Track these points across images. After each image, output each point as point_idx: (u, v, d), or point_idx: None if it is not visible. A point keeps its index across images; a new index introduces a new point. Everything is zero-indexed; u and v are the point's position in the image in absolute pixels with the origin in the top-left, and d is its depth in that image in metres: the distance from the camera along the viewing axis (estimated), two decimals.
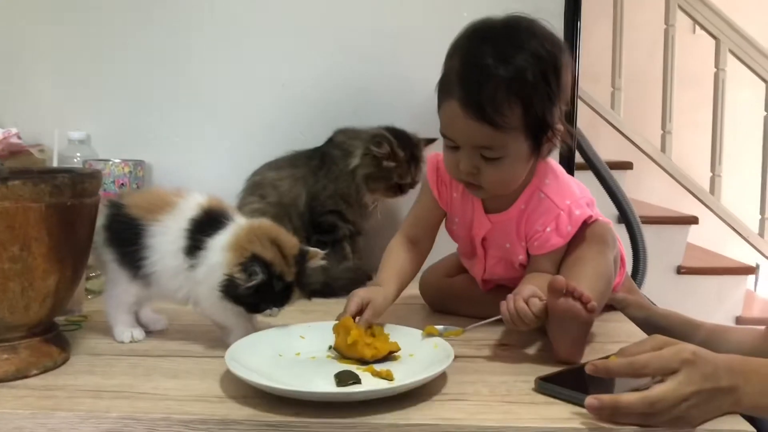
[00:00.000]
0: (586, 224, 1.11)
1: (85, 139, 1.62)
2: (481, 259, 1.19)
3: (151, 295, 1.07)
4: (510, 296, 1.00)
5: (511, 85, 0.99)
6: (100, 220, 1.04)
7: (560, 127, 1.05)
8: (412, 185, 1.49)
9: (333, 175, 1.49)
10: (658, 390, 0.77)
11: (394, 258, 1.19)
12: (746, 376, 0.79)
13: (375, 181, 1.48)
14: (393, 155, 1.46)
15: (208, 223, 1.01)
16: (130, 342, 1.06)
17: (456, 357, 0.92)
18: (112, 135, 1.66)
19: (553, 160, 1.17)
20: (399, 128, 1.51)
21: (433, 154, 1.20)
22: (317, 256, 1.04)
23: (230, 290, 0.97)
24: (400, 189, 1.49)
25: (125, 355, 1.01)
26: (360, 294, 1.07)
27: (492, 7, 1.61)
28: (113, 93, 1.67)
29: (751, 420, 0.79)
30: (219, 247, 0.98)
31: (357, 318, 1.04)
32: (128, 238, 1.02)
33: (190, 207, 1.03)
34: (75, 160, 1.58)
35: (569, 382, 0.87)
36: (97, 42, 1.66)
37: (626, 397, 0.77)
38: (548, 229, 1.09)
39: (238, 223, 1.02)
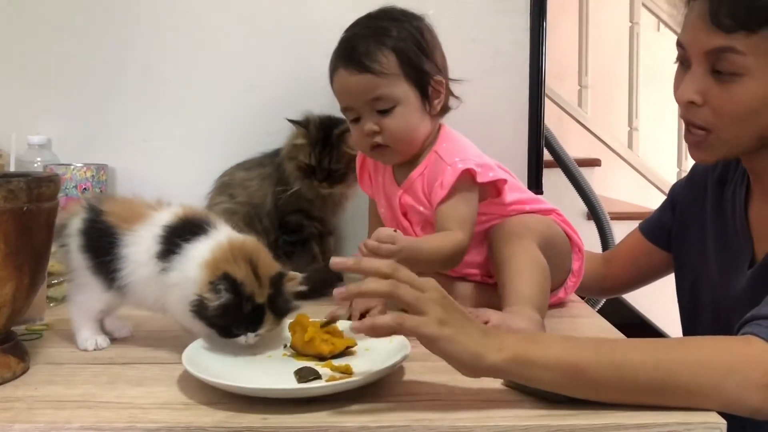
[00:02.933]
0: (514, 217, 1.20)
1: (45, 143, 1.58)
2: (410, 231, 1.24)
3: (122, 303, 1.05)
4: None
5: (379, 38, 1.15)
6: (77, 224, 1.01)
7: (440, 78, 1.18)
8: (322, 172, 1.41)
9: (287, 172, 1.46)
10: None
11: None
12: (506, 332, 0.85)
13: (289, 161, 1.44)
14: (306, 133, 1.43)
15: (183, 228, 0.98)
16: (94, 349, 1.03)
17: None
18: (74, 139, 1.62)
19: (458, 132, 1.25)
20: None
21: None
22: (295, 279, 1.00)
23: (200, 311, 0.94)
24: (313, 172, 1.42)
25: (88, 363, 0.98)
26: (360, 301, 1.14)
27: (457, 6, 1.62)
28: (75, 96, 1.63)
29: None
30: (195, 262, 0.95)
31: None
32: (104, 247, 0.99)
33: (165, 217, 1.00)
34: (35, 165, 1.54)
35: None
36: (57, 43, 1.63)
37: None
38: (436, 184, 1.17)
39: (219, 240, 0.97)
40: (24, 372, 0.94)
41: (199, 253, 0.95)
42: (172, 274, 0.96)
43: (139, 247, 0.98)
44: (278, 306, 0.97)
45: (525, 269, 1.08)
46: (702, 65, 0.97)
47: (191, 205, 1.05)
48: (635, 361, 0.78)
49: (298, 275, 1.01)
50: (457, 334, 0.78)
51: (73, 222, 1.02)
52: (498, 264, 1.13)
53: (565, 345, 0.80)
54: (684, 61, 1.01)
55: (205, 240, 0.97)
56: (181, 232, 0.98)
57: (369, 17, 1.22)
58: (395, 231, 1.02)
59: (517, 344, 0.79)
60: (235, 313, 0.93)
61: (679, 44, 1.01)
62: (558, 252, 1.21)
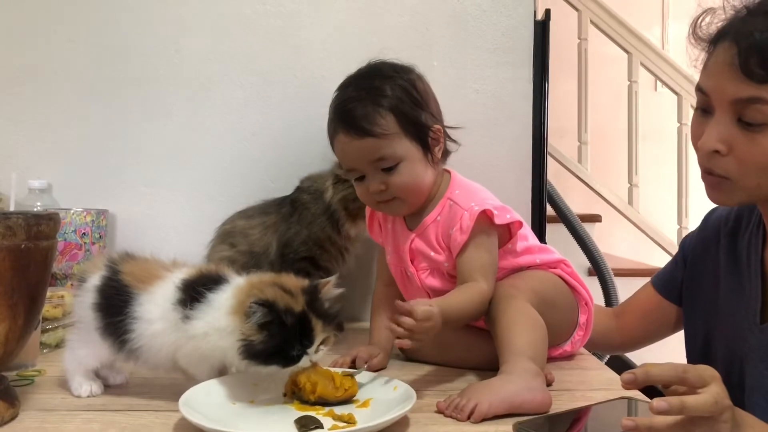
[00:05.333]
0: (522, 270, 1.20)
1: (46, 188, 1.57)
2: (416, 278, 1.22)
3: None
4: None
5: (375, 100, 1.15)
6: (95, 280, 0.99)
7: (438, 127, 1.19)
8: None
9: (306, 221, 1.46)
10: (697, 398, 0.76)
11: (380, 308, 1.29)
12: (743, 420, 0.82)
13: (353, 201, 1.41)
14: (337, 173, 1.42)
15: (202, 279, 0.97)
16: (88, 396, 1.00)
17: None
18: (74, 184, 1.61)
19: (468, 180, 1.25)
20: None
21: None
22: (329, 284, 0.98)
23: (251, 353, 0.90)
24: None
25: (80, 410, 0.95)
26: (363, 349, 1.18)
27: (461, 58, 1.64)
28: (76, 140, 1.63)
29: None
30: (223, 312, 0.92)
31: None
32: (117, 306, 0.96)
33: (181, 275, 0.98)
34: (35, 209, 1.52)
35: (547, 428, 0.87)
36: (59, 88, 1.63)
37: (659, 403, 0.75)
38: (454, 230, 1.16)
39: (238, 285, 0.96)
40: (13, 418, 0.91)
41: (223, 302, 0.93)
42: (197, 323, 0.93)
43: (154, 303, 0.95)
44: (321, 311, 0.94)
45: (516, 323, 1.06)
46: (727, 114, 0.94)
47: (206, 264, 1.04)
48: None
49: (331, 278, 0.99)
50: None
51: (92, 278, 1.00)
52: (492, 326, 1.11)
53: None
54: (705, 108, 0.99)
55: (227, 288, 0.95)
56: (203, 282, 0.96)
57: (360, 76, 1.21)
58: (430, 305, 0.98)
59: None
60: (281, 329, 0.90)
61: (700, 90, 0.98)
62: (558, 306, 1.19)
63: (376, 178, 1.17)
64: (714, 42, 0.98)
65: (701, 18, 1.01)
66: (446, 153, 1.23)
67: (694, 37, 1.00)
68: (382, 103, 1.15)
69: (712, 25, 0.99)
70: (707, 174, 1.00)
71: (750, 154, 0.93)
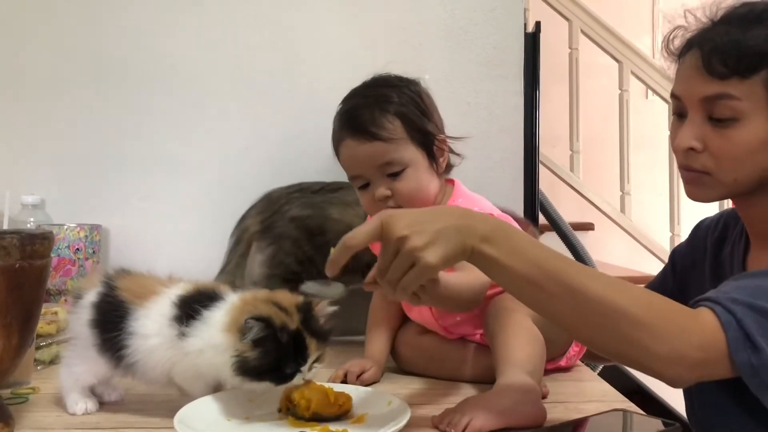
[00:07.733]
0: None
1: (39, 203, 1.57)
2: None
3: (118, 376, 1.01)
4: None
5: (383, 106, 1.17)
6: (91, 297, 0.99)
7: (443, 137, 1.21)
8: None
9: None
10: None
11: (376, 321, 1.28)
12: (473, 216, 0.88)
13: None
14: None
15: (199, 295, 0.97)
16: (83, 414, 1.00)
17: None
18: (67, 199, 1.62)
19: (470, 191, 1.25)
20: None
21: None
22: (322, 303, 0.98)
23: (244, 368, 0.90)
24: None
25: (75, 428, 0.95)
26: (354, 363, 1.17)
27: (452, 72, 1.65)
28: (69, 156, 1.64)
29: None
30: (217, 329, 0.92)
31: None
32: (113, 321, 0.96)
33: (177, 291, 0.98)
34: (28, 225, 1.53)
35: None
36: (51, 102, 1.64)
37: None
38: None
39: (232, 302, 0.96)
40: None
41: (218, 319, 0.93)
42: (192, 340, 0.93)
43: (150, 318, 0.95)
44: (315, 329, 0.94)
45: (515, 337, 1.07)
46: (699, 113, 0.99)
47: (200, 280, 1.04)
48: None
49: (324, 300, 0.98)
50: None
51: (89, 294, 1.00)
52: (491, 338, 1.11)
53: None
54: (680, 113, 1.03)
55: (222, 305, 0.95)
56: (199, 298, 0.96)
57: (366, 86, 1.23)
58: None
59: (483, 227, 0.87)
60: (276, 346, 0.90)
61: (674, 96, 1.04)
62: None
63: (382, 183, 1.17)
64: (684, 52, 1.03)
65: (672, 34, 1.06)
66: (449, 166, 1.24)
67: (666, 52, 1.06)
68: (389, 109, 1.17)
69: (684, 38, 1.04)
70: (686, 170, 1.03)
71: (722, 149, 0.97)
